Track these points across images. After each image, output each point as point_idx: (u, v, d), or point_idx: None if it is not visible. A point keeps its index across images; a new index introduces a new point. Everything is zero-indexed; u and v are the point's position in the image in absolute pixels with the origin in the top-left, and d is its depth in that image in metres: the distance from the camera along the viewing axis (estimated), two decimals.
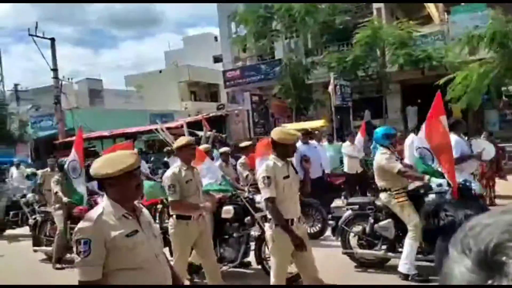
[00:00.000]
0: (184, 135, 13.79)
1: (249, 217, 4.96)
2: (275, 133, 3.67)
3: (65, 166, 6.48)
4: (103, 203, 2.20)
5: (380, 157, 4.75)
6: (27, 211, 8.97)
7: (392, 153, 4.82)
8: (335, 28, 16.18)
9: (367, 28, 13.66)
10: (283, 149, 3.59)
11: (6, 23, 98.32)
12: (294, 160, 4.35)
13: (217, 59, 32.78)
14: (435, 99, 4.60)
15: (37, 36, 20.92)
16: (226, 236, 5.14)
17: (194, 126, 15.22)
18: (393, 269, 4.70)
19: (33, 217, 7.49)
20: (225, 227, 5.14)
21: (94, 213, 2.14)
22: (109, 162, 2.18)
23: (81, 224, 2.09)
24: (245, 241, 5.07)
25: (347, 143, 9.02)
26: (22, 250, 7.93)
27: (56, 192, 6.53)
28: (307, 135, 7.80)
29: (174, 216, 4.14)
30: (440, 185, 4.74)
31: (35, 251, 7.05)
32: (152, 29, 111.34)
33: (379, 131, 5.05)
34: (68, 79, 25.15)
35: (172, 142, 8.06)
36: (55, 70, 21.77)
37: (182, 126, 14.40)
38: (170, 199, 4.10)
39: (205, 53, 35.44)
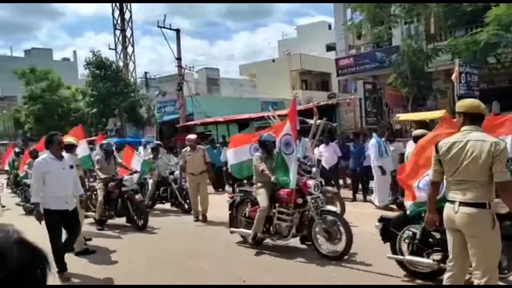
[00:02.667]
0: None
1: None
2: None
3: (277, 141, 5.98)
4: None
5: None
6: (175, 187, 9.55)
7: None
8: (462, 11, 14.73)
9: (505, 5, 12.07)
10: None
11: (134, 17, 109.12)
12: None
13: (330, 48, 32.31)
14: None
15: (165, 28, 22.78)
16: None
17: (304, 114, 15.29)
18: None
19: (230, 195, 6.89)
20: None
21: None
22: None
23: None
24: None
25: None
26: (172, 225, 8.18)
27: (263, 170, 5.90)
28: None
29: None
30: None
31: (231, 232, 6.37)
32: (265, 20, 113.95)
33: None
34: (189, 68, 27.05)
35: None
36: (179, 59, 23.53)
37: None
38: (501, 180, 2.93)
39: (318, 42, 35.22)
